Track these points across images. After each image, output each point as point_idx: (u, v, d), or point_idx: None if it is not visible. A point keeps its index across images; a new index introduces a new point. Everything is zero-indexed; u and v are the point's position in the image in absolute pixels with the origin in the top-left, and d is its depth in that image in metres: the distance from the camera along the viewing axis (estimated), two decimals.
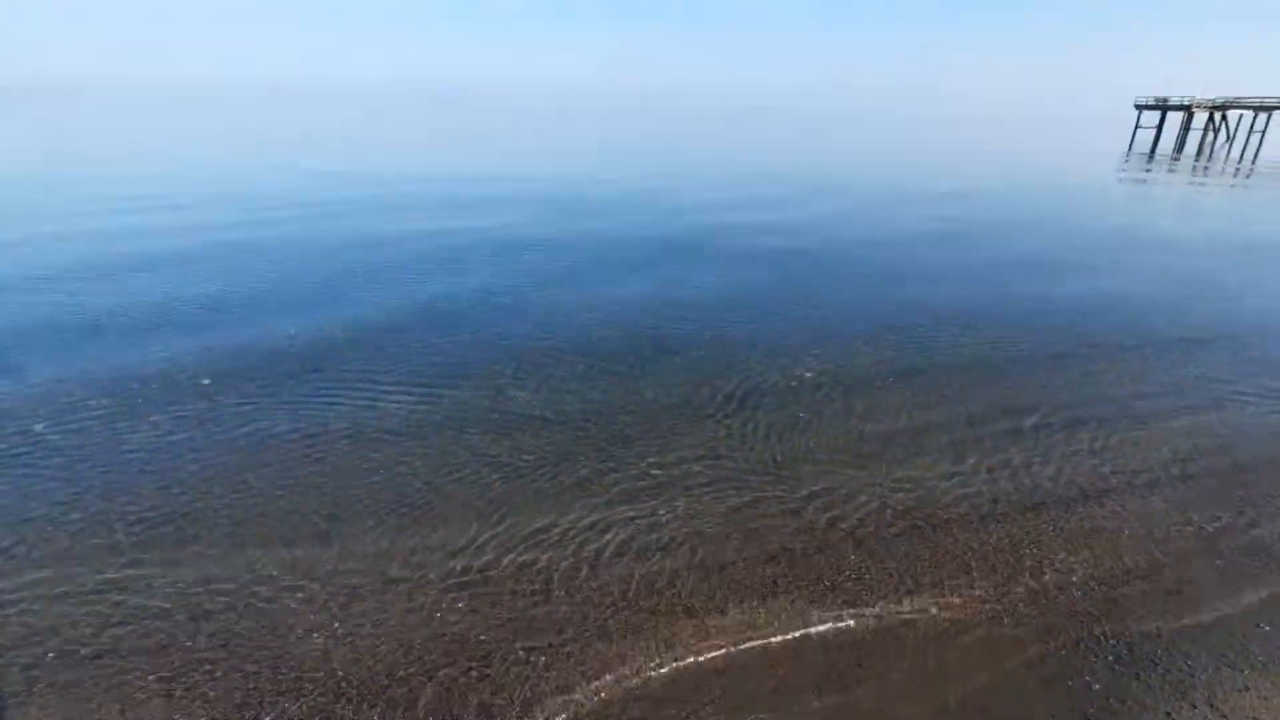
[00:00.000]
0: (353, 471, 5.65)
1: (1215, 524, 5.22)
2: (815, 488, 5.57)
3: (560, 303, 10.36)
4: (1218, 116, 63.70)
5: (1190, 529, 5.15)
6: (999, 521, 5.21)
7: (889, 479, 5.76)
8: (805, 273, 12.79)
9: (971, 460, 6.07)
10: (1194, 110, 63.10)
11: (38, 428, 6.17)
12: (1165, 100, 64.39)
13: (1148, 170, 40.00)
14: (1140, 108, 66.78)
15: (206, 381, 7.25)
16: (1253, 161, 46.40)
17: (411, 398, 7.03)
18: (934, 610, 4.27)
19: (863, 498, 5.46)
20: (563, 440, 6.25)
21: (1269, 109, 59.85)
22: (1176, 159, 46.82)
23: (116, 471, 5.54)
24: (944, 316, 10.12)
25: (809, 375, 7.80)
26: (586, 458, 5.96)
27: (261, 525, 4.96)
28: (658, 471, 5.80)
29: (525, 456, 5.95)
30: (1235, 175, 36.15)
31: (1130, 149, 58.44)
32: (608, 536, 4.94)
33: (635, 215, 18.86)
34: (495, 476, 5.65)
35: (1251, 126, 61.22)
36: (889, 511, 5.30)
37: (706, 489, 5.56)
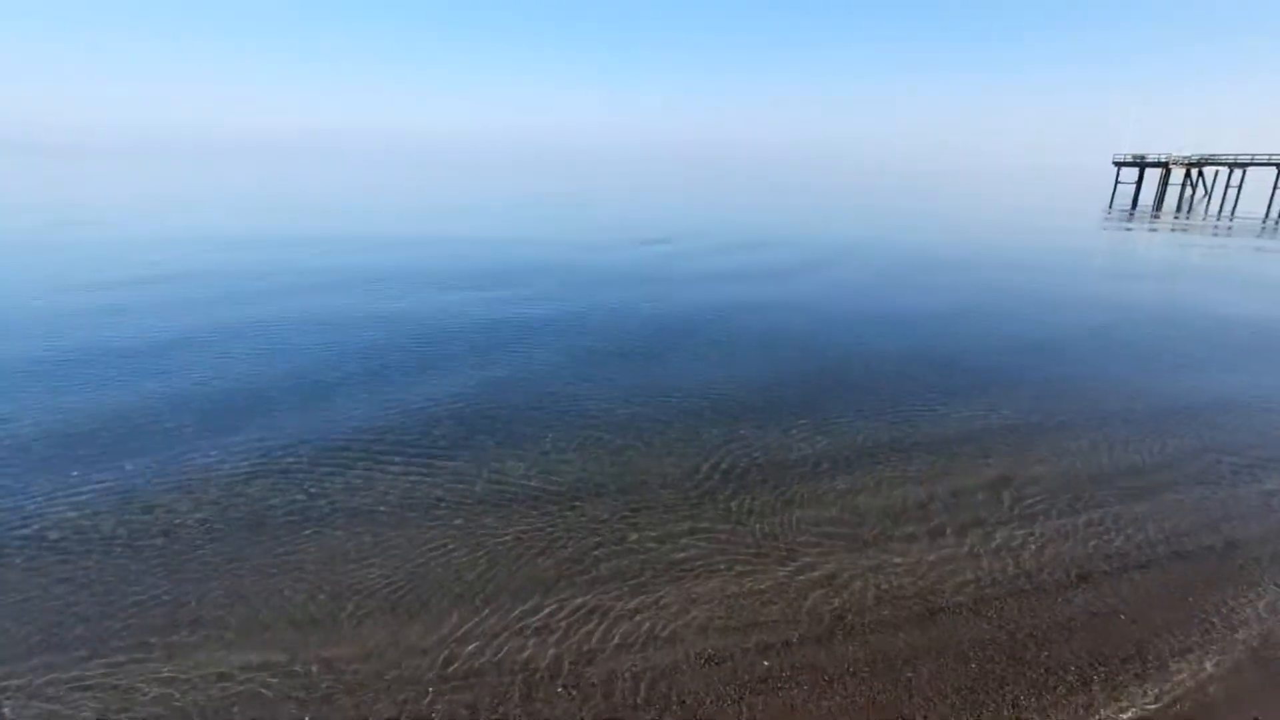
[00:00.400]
0: (342, 552, 5.61)
1: (1216, 605, 5.18)
2: (813, 572, 5.53)
3: (556, 373, 10.48)
4: (1194, 172, 65.79)
5: (1189, 611, 5.11)
6: (995, 606, 5.16)
7: (883, 560, 5.70)
8: (799, 343, 12.96)
9: (964, 540, 6.03)
10: (1170, 167, 65.25)
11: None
12: (1143, 157, 66.64)
13: (1129, 226, 41.10)
14: (1119, 164, 69.06)
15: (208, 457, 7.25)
16: (1231, 216, 47.69)
17: (400, 469, 7.03)
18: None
19: (857, 583, 5.40)
20: (554, 517, 6.24)
21: (1242, 165, 61.97)
22: (1157, 215, 48.08)
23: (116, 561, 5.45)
24: (932, 384, 10.24)
25: (801, 449, 7.84)
26: (579, 536, 5.94)
27: (243, 610, 4.89)
28: (652, 546, 5.77)
29: (514, 533, 5.92)
30: (1215, 231, 37.15)
31: (1112, 204, 60.12)
32: (598, 625, 4.87)
33: (633, 288, 19.07)
34: (482, 554, 5.60)
35: (1228, 182, 63.21)
36: (886, 597, 5.24)
37: (700, 569, 5.53)
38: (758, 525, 6.19)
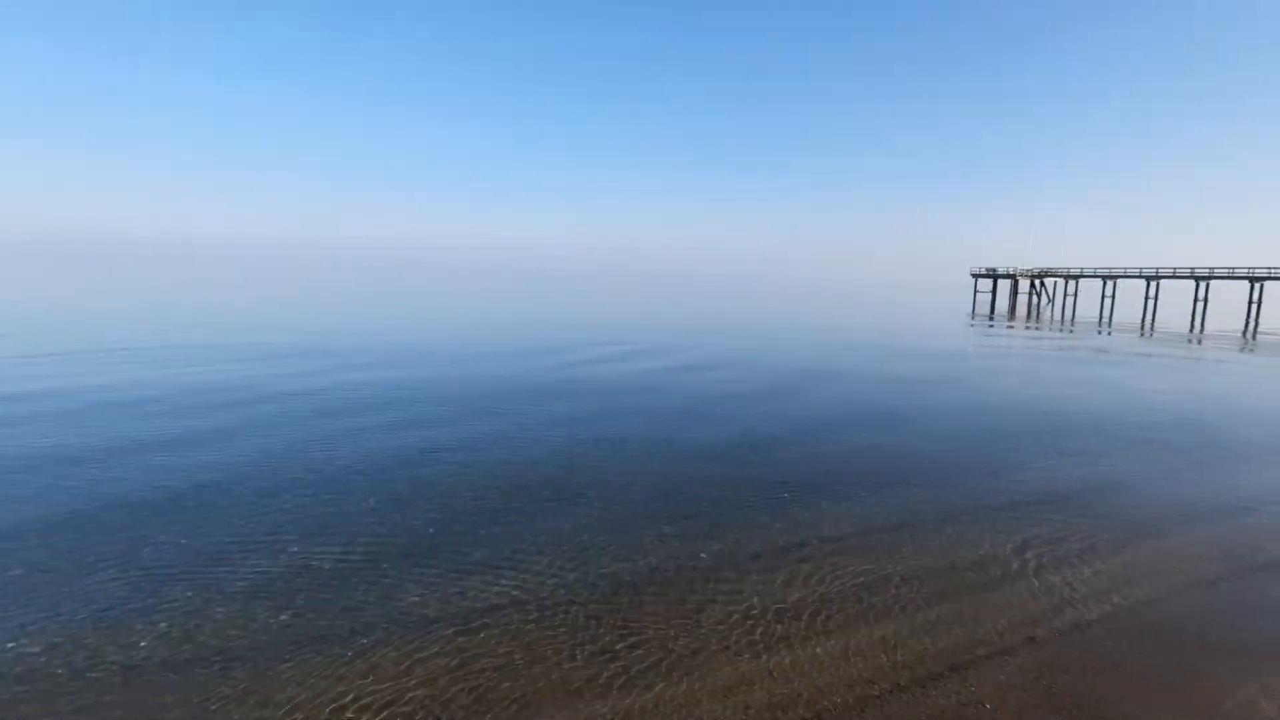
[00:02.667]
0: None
1: (1068, 692, 5.66)
2: (714, 679, 5.60)
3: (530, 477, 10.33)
4: (1038, 282, 75.61)
5: (1046, 700, 5.56)
6: (877, 704, 5.40)
7: (775, 663, 5.86)
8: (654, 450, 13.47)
9: (847, 638, 6.34)
10: (1018, 278, 74.80)
11: None
12: (995, 270, 76.16)
13: (990, 327, 46.26)
14: (976, 275, 78.40)
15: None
16: (1072, 320, 54.68)
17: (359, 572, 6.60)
18: None
19: (758, 691, 5.52)
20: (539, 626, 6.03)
21: (1074, 277, 72.02)
22: (1011, 320, 54.43)
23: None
24: (796, 488, 10.92)
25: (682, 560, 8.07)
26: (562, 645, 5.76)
27: None
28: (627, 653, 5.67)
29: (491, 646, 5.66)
30: (1060, 331, 42.51)
31: (974, 310, 67.51)
32: None
33: (642, 398, 19.35)
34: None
35: (1065, 290, 72.99)
36: (780, 703, 5.37)
37: (652, 677, 5.47)
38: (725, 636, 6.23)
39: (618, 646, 6.14)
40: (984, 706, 5.39)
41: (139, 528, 8.37)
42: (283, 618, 6.41)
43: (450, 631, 6.29)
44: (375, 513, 9.11)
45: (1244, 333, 43.92)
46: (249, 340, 27.34)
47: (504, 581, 7.29)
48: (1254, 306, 55.76)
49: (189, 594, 6.79)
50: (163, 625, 6.22)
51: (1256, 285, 56.40)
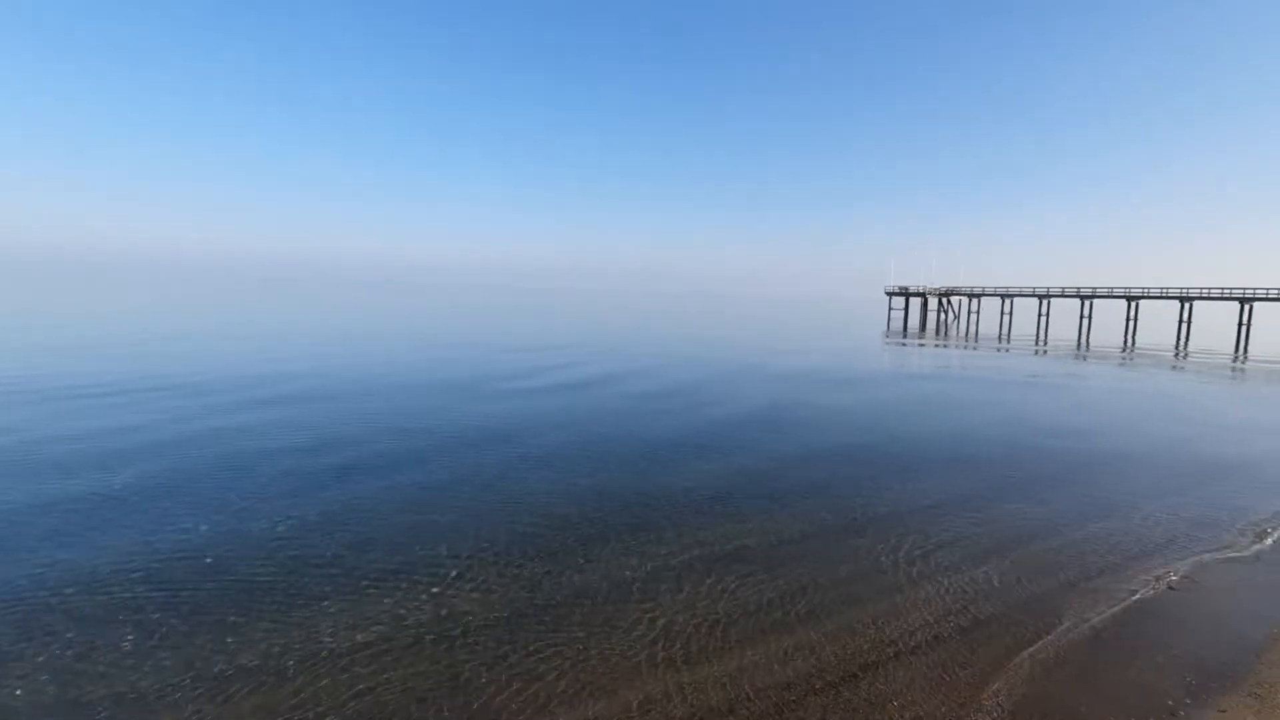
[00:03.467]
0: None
1: (973, 682, 5.99)
2: (628, 696, 5.58)
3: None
4: (944, 300, 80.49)
5: (949, 694, 5.86)
6: (795, 710, 5.54)
7: (701, 676, 5.92)
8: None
9: (770, 645, 6.50)
10: (927, 296, 79.43)
11: None
12: (906, 288, 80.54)
13: (903, 343, 48.89)
14: (890, 294, 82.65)
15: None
16: (976, 335, 58.51)
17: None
18: None
19: (675, 704, 5.54)
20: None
21: (976, 295, 77.11)
22: (922, 335, 57.72)
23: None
24: (704, 502, 11.17)
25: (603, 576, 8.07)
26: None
27: None
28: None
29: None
30: (964, 345, 45.42)
31: (889, 325, 71.13)
32: None
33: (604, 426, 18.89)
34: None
35: (968, 308, 78.06)
36: (708, 714, 5.42)
37: (574, 696, 5.37)
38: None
39: (540, 667, 6.04)
40: (892, 704, 5.62)
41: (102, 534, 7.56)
42: (160, 654, 5.93)
43: (366, 654, 6.02)
44: (284, 538, 8.61)
45: (1123, 347, 48.26)
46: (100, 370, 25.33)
47: (421, 603, 7.03)
48: (1130, 324, 61.45)
49: (70, 634, 6.19)
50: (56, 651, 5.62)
51: (1133, 303, 62.30)
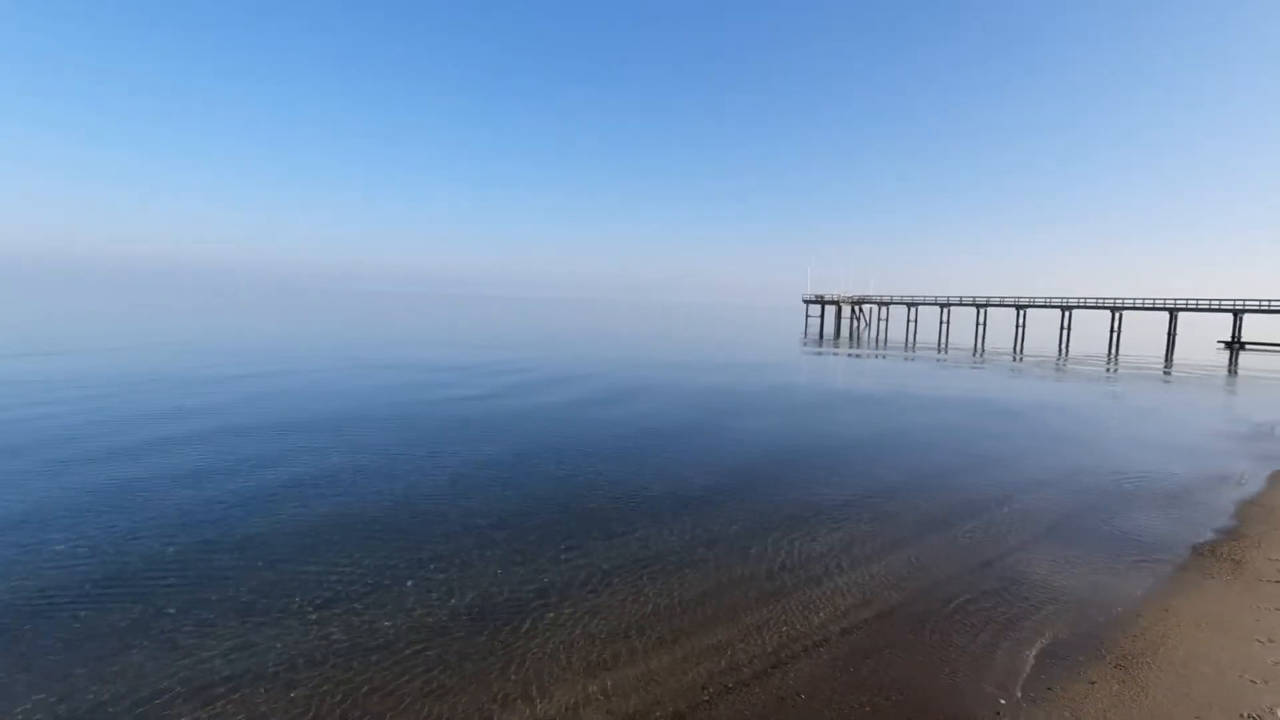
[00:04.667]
0: None
1: (876, 668, 6.28)
2: (547, 703, 5.50)
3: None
4: (856, 308, 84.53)
5: (853, 684, 6.11)
6: (706, 709, 5.62)
7: (619, 680, 5.89)
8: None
9: (682, 647, 6.58)
10: (840, 304, 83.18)
11: None
12: (822, 296, 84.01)
13: (819, 350, 50.95)
14: (807, 302, 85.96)
15: None
16: (885, 341, 61.74)
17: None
18: None
19: (589, 711, 5.50)
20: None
21: (885, 304, 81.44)
22: (836, 341, 60.36)
23: None
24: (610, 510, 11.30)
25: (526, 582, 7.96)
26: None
27: None
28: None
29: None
30: (874, 351, 47.87)
31: (806, 332, 73.94)
32: None
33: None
34: None
35: (878, 316, 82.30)
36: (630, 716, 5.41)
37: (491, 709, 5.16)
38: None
39: (450, 680, 5.86)
40: (799, 698, 5.80)
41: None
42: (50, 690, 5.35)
43: (276, 684, 5.62)
44: (177, 560, 7.96)
45: (1014, 352, 52.25)
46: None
47: (332, 628, 6.66)
48: (1018, 330, 66.63)
49: None
50: None
51: (1021, 311, 67.65)
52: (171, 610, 6.91)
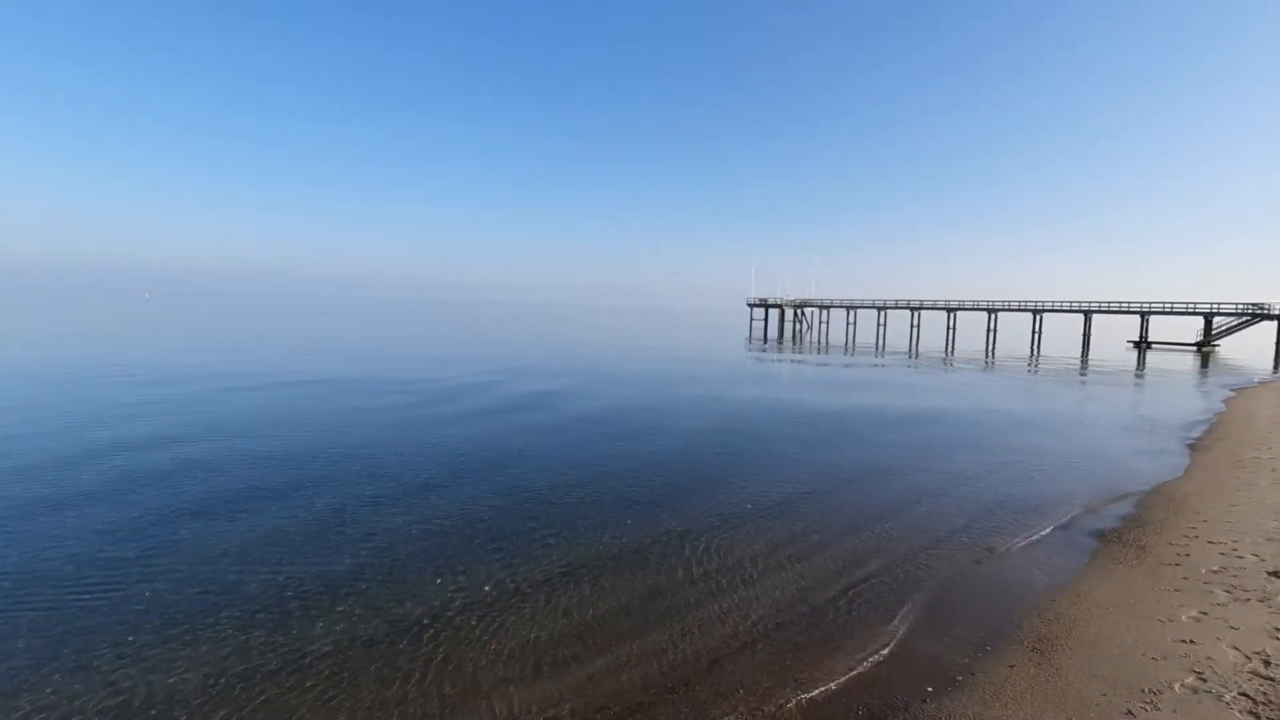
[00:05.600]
0: None
1: (809, 662, 6.45)
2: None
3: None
4: (798, 311, 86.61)
5: (783, 677, 6.27)
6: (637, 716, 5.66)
7: (557, 689, 5.87)
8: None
9: (613, 652, 6.59)
10: (784, 307, 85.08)
11: None
12: (765, 300, 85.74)
13: (764, 350, 51.98)
14: (751, 305, 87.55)
15: None
16: (826, 343, 63.50)
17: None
18: None
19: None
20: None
21: (826, 307, 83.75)
22: (780, 343, 61.73)
23: None
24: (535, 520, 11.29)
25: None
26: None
27: None
28: None
29: None
30: (816, 352, 49.22)
31: (750, 335, 75.27)
32: None
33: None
34: None
35: (820, 319, 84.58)
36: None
37: None
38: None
39: (385, 693, 5.70)
40: (738, 693, 5.89)
41: None
42: None
43: (195, 707, 5.32)
44: (88, 580, 7.43)
45: (946, 352, 54.62)
46: None
47: (256, 646, 6.35)
48: (949, 332, 69.70)
49: None
50: None
51: (952, 314, 70.81)
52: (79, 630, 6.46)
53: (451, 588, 7.79)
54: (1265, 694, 5.58)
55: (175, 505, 10.27)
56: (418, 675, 6.02)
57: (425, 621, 6.98)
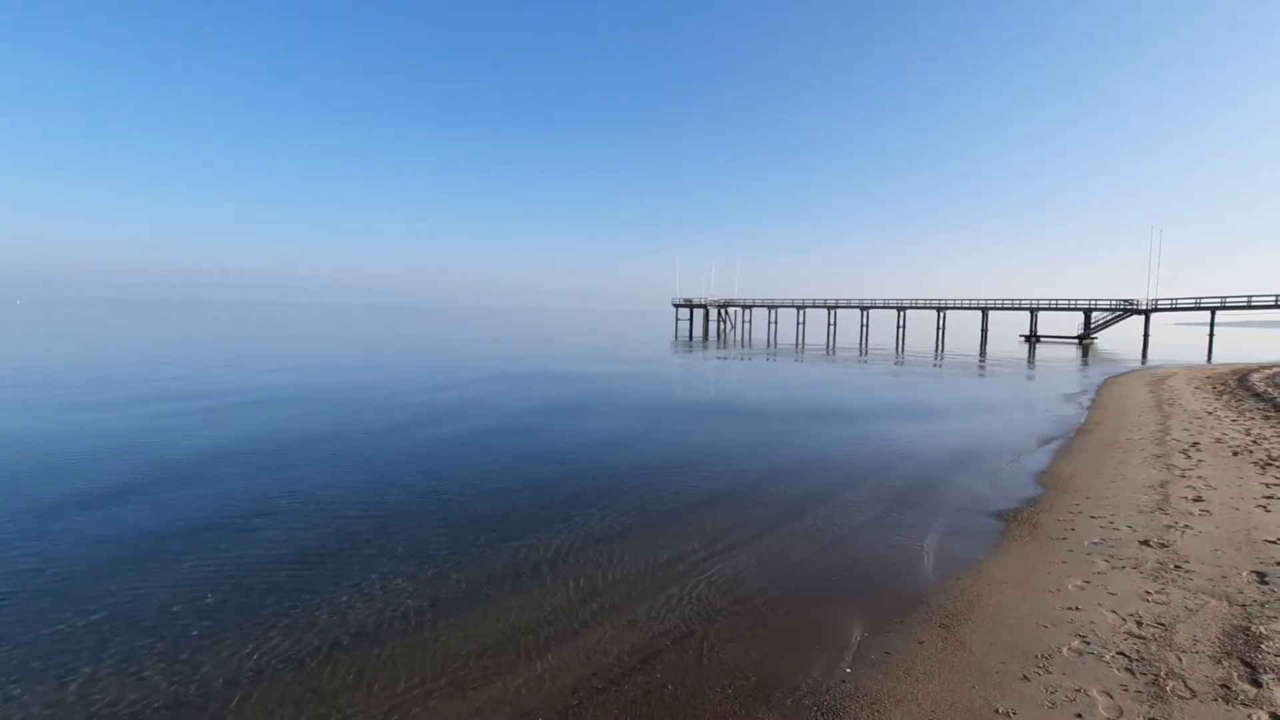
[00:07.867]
0: None
1: (738, 654, 6.59)
2: None
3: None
4: (722, 311, 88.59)
5: (716, 671, 6.39)
6: (588, 710, 5.62)
7: (490, 698, 5.75)
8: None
9: (554, 649, 6.54)
10: (707, 307, 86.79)
11: None
12: (690, 300, 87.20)
13: (689, 350, 52.83)
14: (676, 305, 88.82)
15: None
16: (749, 342, 65.24)
17: None
18: None
19: None
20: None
21: (748, 307, 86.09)
22: (705, 342, 62.95)
23: None
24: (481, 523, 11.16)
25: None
26: None
27: None
28: None
29: None
30: (739, 351, 50.49)
31: (676, 335, 76.36)
32: None
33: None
34: None
35: (743, 318, 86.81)
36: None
37: None
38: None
39: (317, 709, 5.39)
40: (667, 689, 5.95)
41: None
42: None
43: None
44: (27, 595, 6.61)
45: (859, 349, 57.32)
46: None
47: (180, 661, 5.84)
48: (863, 329, 73.16)
49: None
50: None
51: (865, 312, 74.35)
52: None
53: (364, 602, 7.46)
54: (1138, 651, 6.18)
55: None
56: (334, 694, 5.73)
57: (340, 637, 6.65)
